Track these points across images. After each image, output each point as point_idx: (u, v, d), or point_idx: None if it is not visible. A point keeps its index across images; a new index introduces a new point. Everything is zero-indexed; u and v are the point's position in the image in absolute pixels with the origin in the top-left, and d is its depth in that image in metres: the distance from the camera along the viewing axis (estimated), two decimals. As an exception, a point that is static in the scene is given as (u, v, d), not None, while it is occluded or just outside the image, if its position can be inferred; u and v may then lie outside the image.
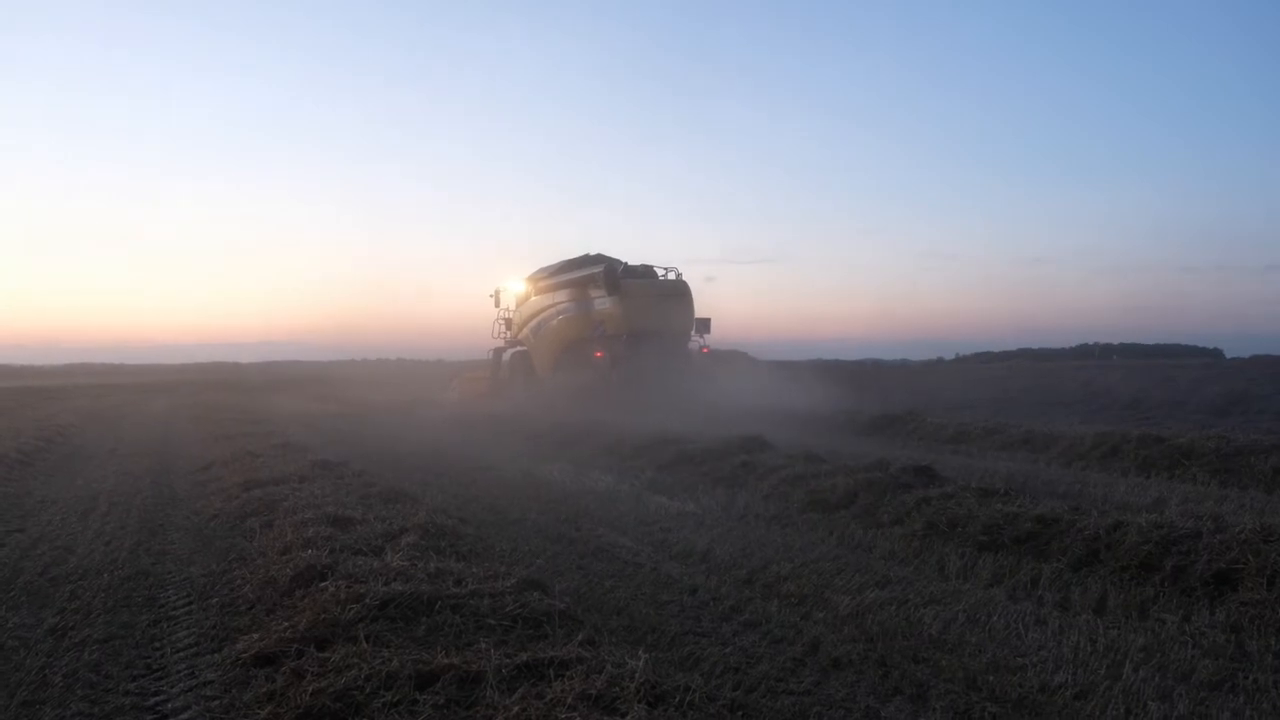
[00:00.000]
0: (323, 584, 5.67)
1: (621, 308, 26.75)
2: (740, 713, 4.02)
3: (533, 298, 31.10)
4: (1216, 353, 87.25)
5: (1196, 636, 5.21)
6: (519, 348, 31.98)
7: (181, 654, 5.28)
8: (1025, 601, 6.05)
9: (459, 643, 4.70)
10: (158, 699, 4.64)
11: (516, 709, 3.78)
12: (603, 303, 27.38)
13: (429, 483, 12.01)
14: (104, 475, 13.53)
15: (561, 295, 29.34)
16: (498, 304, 33.13)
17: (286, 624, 5.11)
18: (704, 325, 28.44)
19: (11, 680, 4.90)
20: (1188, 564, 6.14)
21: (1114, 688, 4.51)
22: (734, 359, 31.79)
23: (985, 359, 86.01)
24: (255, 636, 5.11)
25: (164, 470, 14.08)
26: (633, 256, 28.75)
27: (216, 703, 4.48)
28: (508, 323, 32.79)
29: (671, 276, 28.04)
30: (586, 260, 29.13)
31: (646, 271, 28.02)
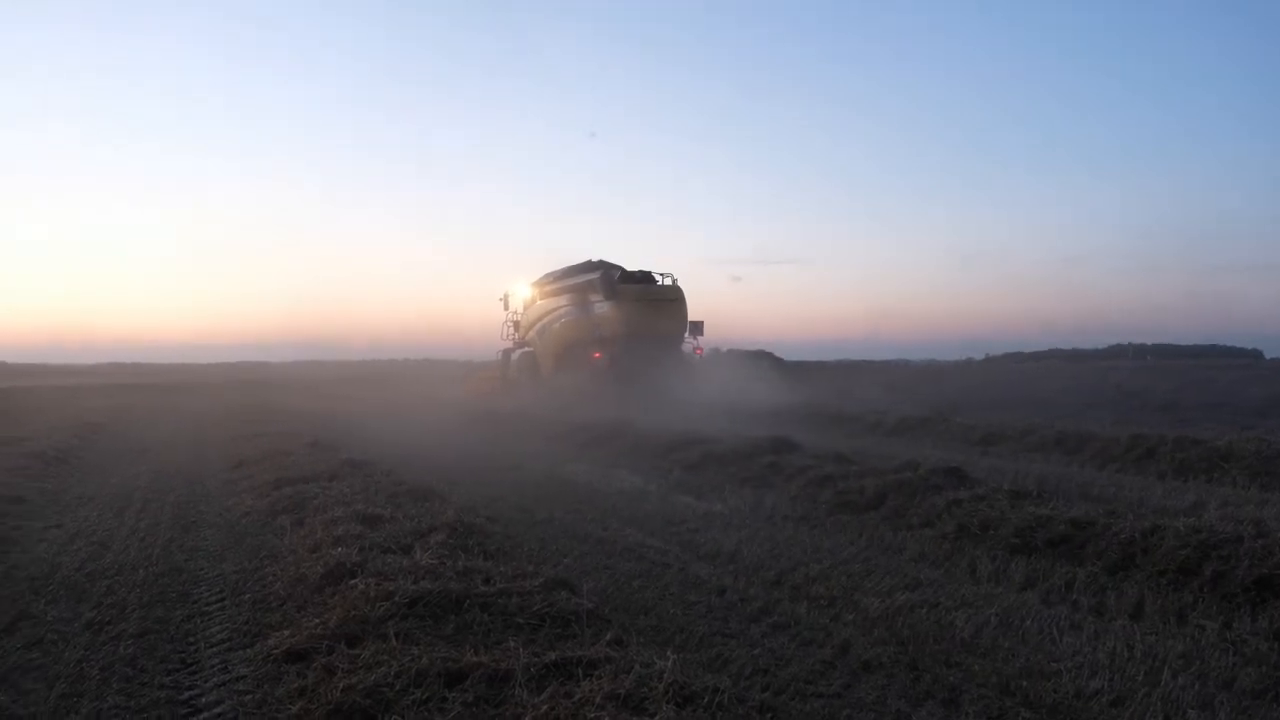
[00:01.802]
0: (353, 581, 5.69)
1: (618, 312, 28.28)
2: (769, 715, 3.99)
3: (538, 301, 32.65)
4: (1256, 354, 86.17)
5: (1238, 644, 5.12)
6: (526, 349, 33.58)
7: (214, 649, 5.33)
8: (1059, 606, 5.97)
9: (488, 641, 4.71)
10: (192, 693, 4.68)
11: (545, 708, 3.78)
12: (601, 307, 28.85)
13: (456, 481, 12.05)
14: (138, 472, 13.70)
15: (563, 299, 30.83)
16: (506, 307, 34.92)
17: (317, 621, 5.14)
18: (697, 328, 30.08)
19: (50, 673, 4.96)
20: (1228, 569, 6.03)
21: (1152, 695, 4.43)
22: (757, 359, 32.61)
23: (1016, 359, 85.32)
24: (287, 633, 5.14)
25: (196, 468, 14.24)
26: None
27: (249, 697, 4.51)
28: (516, 325, 34.51)
29: (667, 282, 29.37)
30: (588, 266, 30.41)
31: (644, 277, 29.32)
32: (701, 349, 30.68)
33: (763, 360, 33.16)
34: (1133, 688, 4.53)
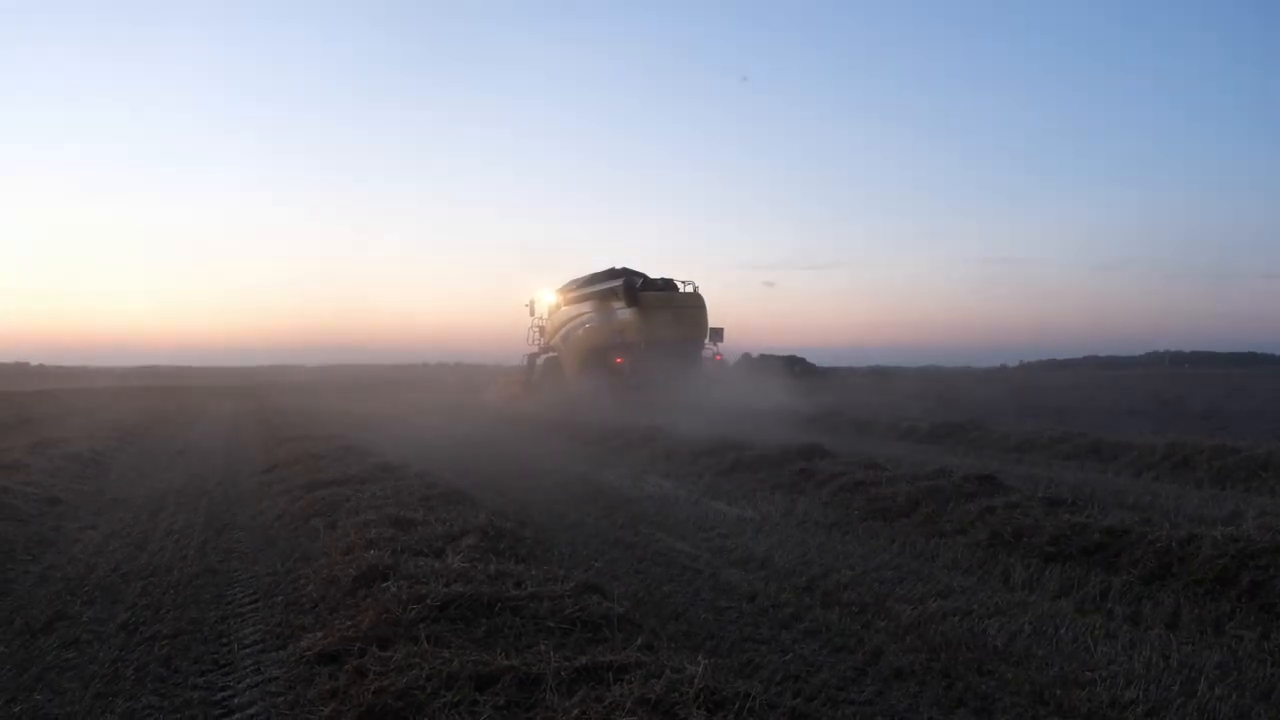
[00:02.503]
0: (385, 584, 5.73)
1: (639, 318, 29.13)
2: (801, 721, 3.97)
3: (563, 307, 33.67)
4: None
5: (1276, 654, 5.02)
6: (551, 353, 34.52)
7: (248, 650, 5.38)
8: (1094, 614, 5.89)
9: (518, 645, 4.72)
10: (225, 693, 4.73)
11: (576, 712, 3.77)
12: (623, 313, 29.72)
13: (487, 485, 12.10)
14: (172, 475, 13.88)
15: (587, 306, 31.78)
16: (532, 313, 35.99)
17: (349, 623, 5.17)
18: (717, 334, 30.80)
19: (86, 673, 5.03)
20: (1266, 579, 5.92)
21: (1188, 705, 4.36)
22: (788, 364, 33.09)
23: (1051, 366, 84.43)
24: (319, 634, 5.18)
25: (229, 470, 14.40)
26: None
27: (281, 699, 4.55)
28: (541, 330, 35.51)
29: (689, 289, 30.25)
30: (611, 274, 31.20)
31: (665, 285, 30.28)
32: (721, 355, 31.41)
33: (795, 365, 33.52)
34: (1168, 698, 4.46)
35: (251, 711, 4.47)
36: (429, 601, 5.25)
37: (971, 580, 6.84)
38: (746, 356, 35.41)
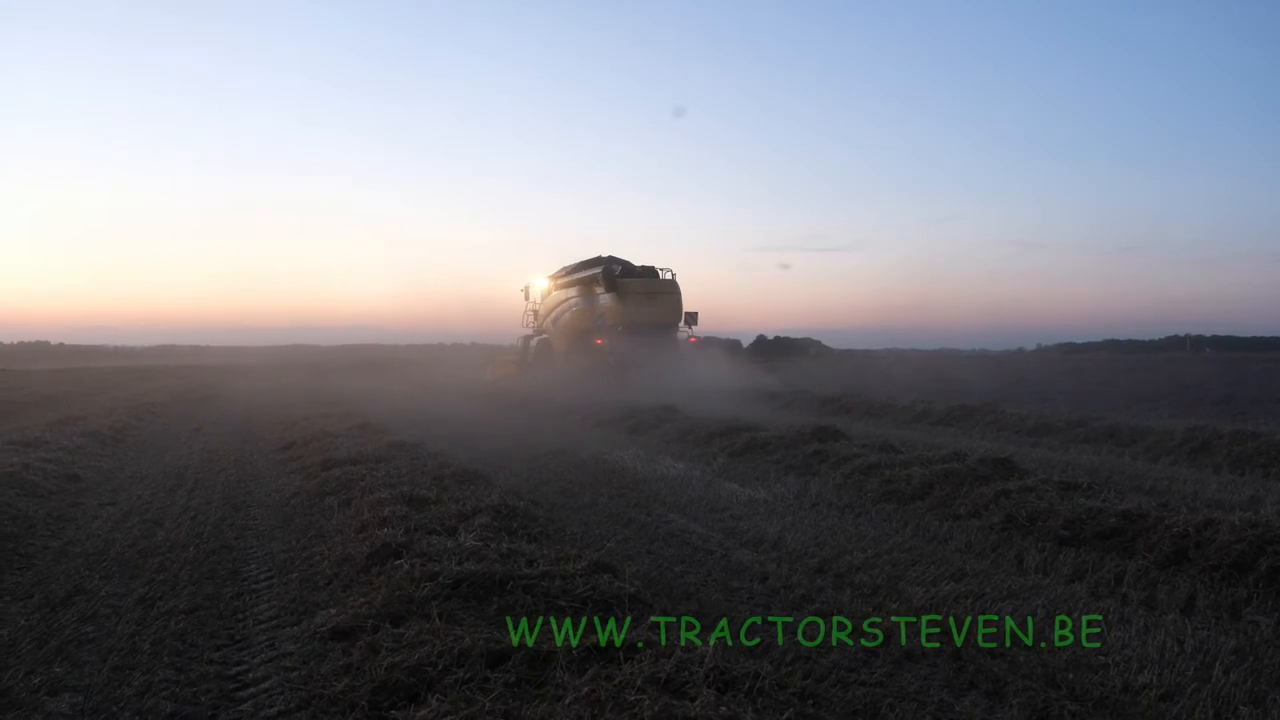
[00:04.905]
0: (398, 562, 5.76)
1: (618, 303, 31.63)
2: (810, 701, 3.97)
3: (553, 293, 36.35)
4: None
5: (1292, 640, 4.99)
6: (543, 335, 37.14)
7: (263, 626, 5.43)
8: (1108, 599, 5.86)
9: (530, 623, 4.73)
10: (240, 668, 4.77)
11: (586, 690, 3.79)
12: (604, 298, 32.23)
13: (500, 465, 12.14)
14: (190, 453, 13.98)
15: (573, 291, 34.39)
16: (527, 298, 38.63)
17: (363, 600, 5.21)
18: (692, 318, 33.35)
19: (103, 646, 5.09)
20: (1284, 565, 5.87)
21: (1202, 690, 4.33)
22: (801, 347, 34.74)
23: (1068, 350, 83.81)
24: (333, 611, 5.21)
25: (246, 449, 14.48)
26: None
27: (295, 674, 4.58)
28: (535, 314, 38.18)
29: (668, 276, 32.87)
30: (595, 261, 33.51)
31: (645, 271, 32.83)
32: (696, 338, 33.53)
33: (808, 347, 35.16)
34: (1183, 683, 4.43)
35: (266, 686, 4.50)
36: (442, 579, 5.28)
37: (985, 564, 6.81)
38: (761, 339, 36.59)
